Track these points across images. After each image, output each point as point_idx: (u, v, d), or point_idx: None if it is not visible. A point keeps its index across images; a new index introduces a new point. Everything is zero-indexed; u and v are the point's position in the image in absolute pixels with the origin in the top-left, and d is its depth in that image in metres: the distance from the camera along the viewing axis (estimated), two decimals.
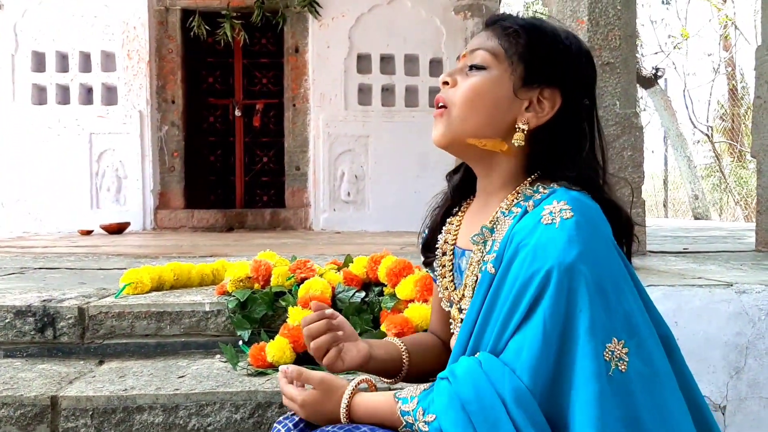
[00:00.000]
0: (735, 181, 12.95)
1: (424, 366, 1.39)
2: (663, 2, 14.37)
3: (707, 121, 13.81)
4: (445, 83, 1.19)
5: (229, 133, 7.57)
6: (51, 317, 2.13)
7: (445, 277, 1.29)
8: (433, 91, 7.00)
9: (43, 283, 2.61)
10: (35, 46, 6.84)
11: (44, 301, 2.19)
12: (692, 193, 11.96)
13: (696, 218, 11.66)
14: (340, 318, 1.30)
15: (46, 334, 2.13)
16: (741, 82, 14.30)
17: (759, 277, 2.55)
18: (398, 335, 1.88)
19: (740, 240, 4.92)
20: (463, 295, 1.22)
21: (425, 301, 1.99)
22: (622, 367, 0.96)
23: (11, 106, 6.80)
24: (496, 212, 1.17)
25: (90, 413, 1.75)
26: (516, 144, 1.15)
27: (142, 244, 5.08)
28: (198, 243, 4.97)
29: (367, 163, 6.98)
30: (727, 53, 14.03)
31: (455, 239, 1.29)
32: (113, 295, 2.30)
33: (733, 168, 13.37)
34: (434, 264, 1.33)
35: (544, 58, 1.16)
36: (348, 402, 1.14)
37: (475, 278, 1.17)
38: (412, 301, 2.01)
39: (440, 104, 1.18)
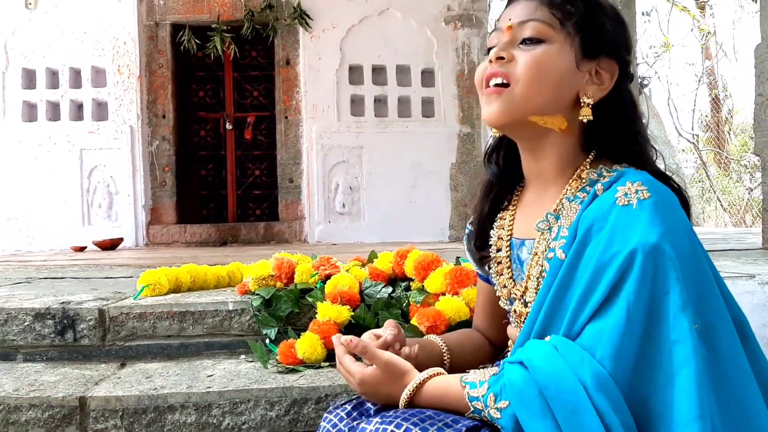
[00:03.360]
0: (721, 190, 13.07)
1: (467, 364, 1.35)
2: (643, 14, 14.55)
3: (692, 130, 13.96)
4: (500, 58, 1.11)
5: (220, 146, 7.50)
6: (71, 319, 2.07)
7: (503, 274, 1.24)
8: (426, 102, 7.01)
9: (54, 290, 2.54)
10: (25, 64, 6.75)
11: (63, 303, 2.13)
12: None
13: None
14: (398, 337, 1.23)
15: (66, 336, 2.07)
16: (724, 91, 14.48)
17: None
18: (431, 329, 1.85)
19: (742, 241, 4.93)
20: (526, 287, 1.18)
21: (456, 293, 1.96)
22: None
23: (1, 124, 6.69)
24: (560, 198, 1.13)
25: (120, 414, 1.70)
26: (584, 120, 1.11)
27: (141, 256, 5.02)
28: (197, 255, 4.90)
29: (362, 174, 6.94)
30: (710, 63, 14.19)
31: (510, 233, 1.24)
32: (130, 297, 2.25)
33: (719, 177, 13.51)
34: (488, 261, 1.29)
35: (601, 27, 1.12)
36: (412, 391, 1.09)
37: (540, 267, 1.13)
38: (442, 294, 1.98)
39: (497, 81, 1.11)
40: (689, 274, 0.96)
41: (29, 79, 6.79)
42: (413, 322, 1.91)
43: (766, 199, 3.83)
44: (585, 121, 1.11)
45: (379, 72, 7.01)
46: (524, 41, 1.11)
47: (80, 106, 6.85)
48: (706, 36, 13.71)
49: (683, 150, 14.22)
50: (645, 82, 10.01)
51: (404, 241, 6.38)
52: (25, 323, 2.07)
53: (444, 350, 1.33)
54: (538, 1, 1.12)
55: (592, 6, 1.13)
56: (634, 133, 1.15)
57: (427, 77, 7.04)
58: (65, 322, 2.07)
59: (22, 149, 6.65)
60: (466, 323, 1.83)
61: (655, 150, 1.19)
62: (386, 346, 1.19)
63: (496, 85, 1.12)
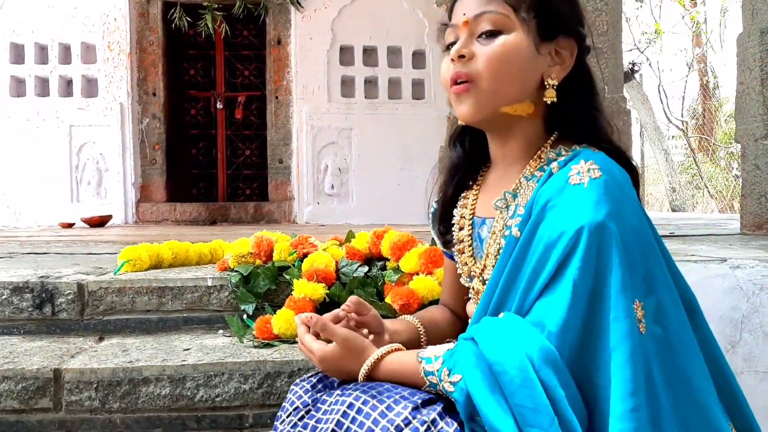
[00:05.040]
0: (708, 177, 13.14)
1: (442, 340, 1.38)
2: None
3: (682, 116, 13.99)
4: (461, 57, 1.13)
5: (210, 125, 7.50)
6: (49, 293, 2.09)
7: (464, 252, 1.27)
8: (417, 84, 7.01)
9: (36, 264, 2.56)
10: (14, 38, 6.72)
11: (42, 277, 2.15)
12: (669, 185, 12.10)
13: (673, 210, 11.81)
14: (368, 316, 1.26)
15: (45, 310, 2.09)
16: (714, 77, 14.50)
17: (751, 253, 2.58)
18: (404, 307, 1.88)
19: (723, 227, 4.98)
20: (485, 265, 1.21)
21: (430, 273, 1.99)
22: (642, 328, 0.95)
23: None
24: (519, 178, 1.16)
25: (94, 386, 1.73)
26: (548, 101, 1.13)
27: (128, 233, 5.03)
28: (185, 233, 4.92)
29: (351, 156, 6.96)
30: (700, 50, 14.20)
31: (473, 212, 1.27)
32: (111, 273, 2.27)
33: (706, 164, 13.58)
34: (452, 241, 1.32)
35: (554, 8, 1.13)
36: (370, 366, 1.12)
37: (498, 246, 1.16)
38: (416, 273, 2.00)
39: (461, 80, 1.13)
40: (635, 253, 0.98)
41: (17, 53, 6.76)
42: (387, 300, 1.94)
43: (746, 186, 3.87)
44: (549, 102, 1.13)
45: (369, 53, 7.01)
46: (482, 35, 1.12)
47: (69, 82, 6.83)
48: (696, 24, 13.71)
49: (672, 137, 14.25)
50: (636, 68, 10.03)
51: (392, 223, 6.38)
52: (3, 296, 2.08)
53: (420, 330, 1.36)
54: None
55: None
56: (593, 108, 1.18)
57: (418, 59, 7.04)
58: (43, 295, 2.09)
59: (9, 124, 6.65)
60: (439, 302, 1.86)
61: (611, 125, 1.21)
62: (338, 320, 1.22)
63: (459, 83, 1.14)
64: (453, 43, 1.17)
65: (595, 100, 1.18)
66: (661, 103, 13.34)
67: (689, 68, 14.25)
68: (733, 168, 13.19)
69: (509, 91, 1.13)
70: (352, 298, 1.26)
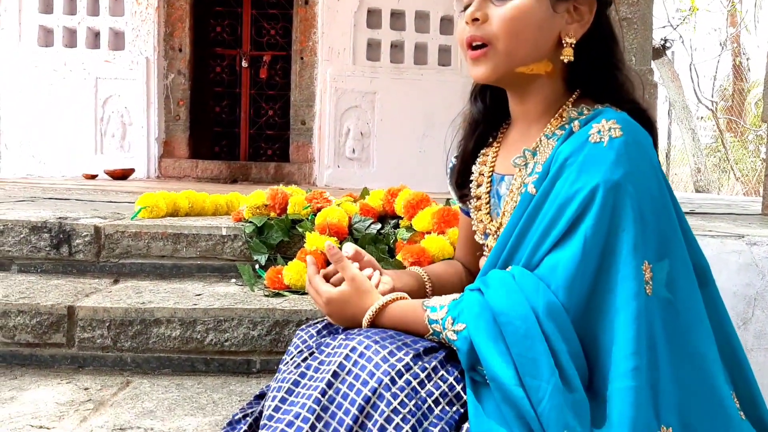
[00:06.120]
0: (735, 160, 12.94)
1: (448, 294, 1.38)
2: None
3: (712, 97, 13.74)
4: (476, 20, 1.10)
5: (235, 84, 7.51)
6: (67, 234, 2.13)
7: (481, 209, 1.26)
8: (443, 50, 6.94)
9: (56, 208, 2.60)
10: None
11: (60, 218, 2.18)
12: (695, 166, 11.95)
13: (697, 191, 11.68)
14: (366, 260, 1.27)
15: (62, 250, 2.13)
16: (747, 59, 14.20)
17: None
18: (414, 264, 1.89)
19: (745, 208, 4.92)
20: (501, 223, 1.19)
21: (442, 233, 1.99)
22: (648, 290, 0.94)
23: (17, 47, 6.70)
24: (540, 136, 1.14)
25: (107, 324, 1.76)
26: (565, 60, 1.10)
27: (149, 186, 5.08)
28: (205, 190, 4.94)
29: (373, 121, 6.92)
30: (734, 30, 13.88)
31: (492, 168, 1.25)
32: (128, 218, 2.30)
33: (734, 146, 13.36)
34: (469, 196, 1.31)
35: None
36: (374, 312, 1.13)
37: (514, 204, 1.15)
38: (428, 232, 2.01)
39: (477, 43, 1.10)
40: (650, 216, 0.97)
41: (46, 3, 6.77)
42: (398, 257, 1.95)
43: None
44: (566, 60, 1.11)
45: (397, 17, 6.93)
46: None
47: (97, 35, 6.85)
48: (732, 3, 13.38)
49: (701, 117, 14.01)
50: (668, 44, 9.85)
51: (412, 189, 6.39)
52: (21, 235, 2.12)
53: (426, 280, 1.36)
54: None
55: None
56: (613, 66, 1.15)
57: (446, 25, 6.95)
58: (61, 236, 2.13)
59: (37, 74, 6.68)
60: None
61: (632, 82, 1.19)
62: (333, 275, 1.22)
63: (475, 47, 1.12)
64: (469, 5, 1.15)
65: (615, 57, 1.16)
66: (692, 82, 13.08)
67: (722, 48, 13.95)
68: (761, 151, 12.98)
69: (525, 52, 1.11)
70: (349, 246, 1.26)
